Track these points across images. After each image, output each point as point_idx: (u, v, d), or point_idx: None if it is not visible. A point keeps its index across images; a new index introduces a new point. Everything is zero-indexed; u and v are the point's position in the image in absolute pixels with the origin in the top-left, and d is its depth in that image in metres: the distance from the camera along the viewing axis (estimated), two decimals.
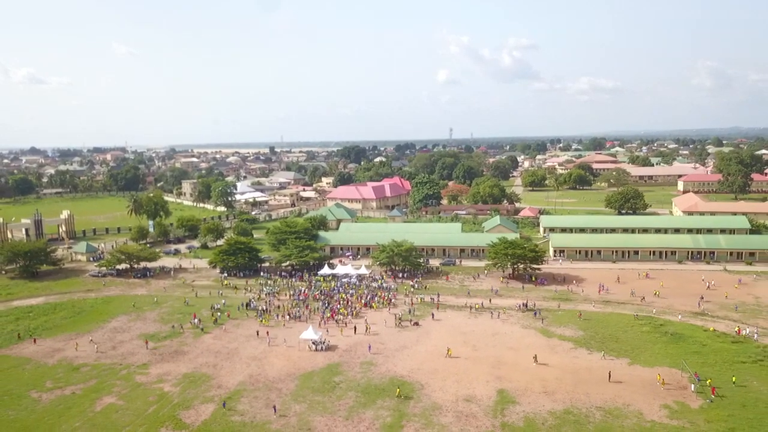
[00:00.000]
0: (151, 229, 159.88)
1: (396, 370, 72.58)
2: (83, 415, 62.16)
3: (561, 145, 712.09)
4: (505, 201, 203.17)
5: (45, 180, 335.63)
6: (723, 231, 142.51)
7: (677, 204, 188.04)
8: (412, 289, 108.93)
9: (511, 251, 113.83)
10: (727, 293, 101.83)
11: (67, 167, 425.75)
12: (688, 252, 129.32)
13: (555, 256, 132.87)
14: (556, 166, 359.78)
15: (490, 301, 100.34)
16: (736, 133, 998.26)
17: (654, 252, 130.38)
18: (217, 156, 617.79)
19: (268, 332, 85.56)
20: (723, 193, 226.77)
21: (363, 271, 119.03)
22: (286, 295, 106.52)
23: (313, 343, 79.92)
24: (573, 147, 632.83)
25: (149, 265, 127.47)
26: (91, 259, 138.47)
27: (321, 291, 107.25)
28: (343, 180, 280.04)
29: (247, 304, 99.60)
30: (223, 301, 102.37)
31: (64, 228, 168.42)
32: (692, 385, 65.42)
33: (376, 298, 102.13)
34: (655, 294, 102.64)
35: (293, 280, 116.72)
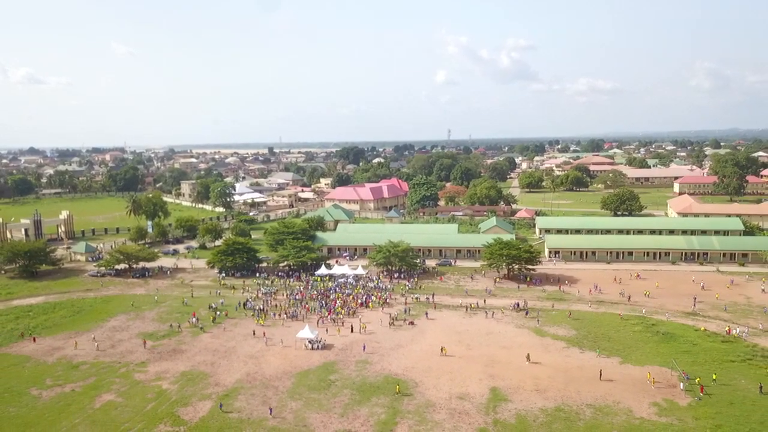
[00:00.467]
0: (149, 230, 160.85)
1: (391, 368, 73.71)
2: (83, 412, 63.24)
3: (559, 146, 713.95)
4: (502, 202, 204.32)
5: (44, 180, 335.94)
6: (717, 232, 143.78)
7: (672, 206, 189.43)
8: (407, 289, 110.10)
9: (506, 252, 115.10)
10: (719, 294, 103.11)
11: (66, 167, 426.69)
12: (682, 253, 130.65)
13: (550, 257, 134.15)
14: (554, 168, 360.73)
15: (484, 301, 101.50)
16: (735, 135, 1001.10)
17: (648, 253, 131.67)
18: (216, 157, 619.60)
19: (264, 332, 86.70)
20: (718, 195, 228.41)
21: (360, 271, 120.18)
22: (283, 294, 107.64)
23: (310, 342, 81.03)
24: (571, 149, 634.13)
25: (148, 265, 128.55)
26: (90, 259, 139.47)
27: (318, 291, 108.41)
28: (342, 181, 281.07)
29: (244, 304, 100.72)
30: (221, 300, 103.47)
31: (63, 228, 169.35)
32: (681, 384, 66.61)
33: (372, 298, 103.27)
34: (646, 294, 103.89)
35: (290, 280, 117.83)
